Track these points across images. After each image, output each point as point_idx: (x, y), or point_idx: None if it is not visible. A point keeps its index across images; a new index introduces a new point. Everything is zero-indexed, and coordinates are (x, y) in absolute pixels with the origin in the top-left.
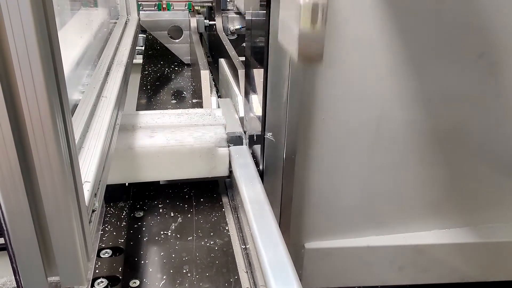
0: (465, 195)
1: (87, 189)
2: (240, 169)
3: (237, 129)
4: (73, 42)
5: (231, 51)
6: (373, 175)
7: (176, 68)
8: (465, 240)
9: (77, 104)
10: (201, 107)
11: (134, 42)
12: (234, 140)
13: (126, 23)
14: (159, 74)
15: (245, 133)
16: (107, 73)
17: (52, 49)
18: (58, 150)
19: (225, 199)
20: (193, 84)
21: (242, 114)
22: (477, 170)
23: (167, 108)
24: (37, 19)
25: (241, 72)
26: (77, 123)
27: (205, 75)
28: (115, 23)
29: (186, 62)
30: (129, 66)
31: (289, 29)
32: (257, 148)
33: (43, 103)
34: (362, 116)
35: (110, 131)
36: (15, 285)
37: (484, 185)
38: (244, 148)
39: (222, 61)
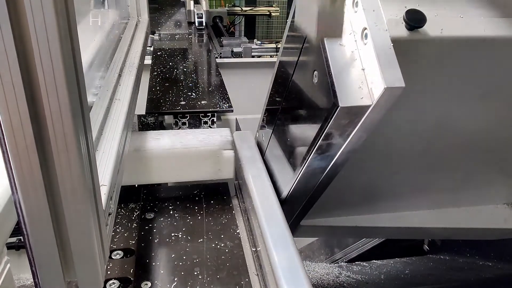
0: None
1: (103, 193)
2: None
3: None
4: (85, 44)
5: None
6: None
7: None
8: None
9: (91, 107)
10: None
11: (145, 44)
12: None
13: (136, 25)
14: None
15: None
16: (119, 76)
17: (74, 56)
18: (78, 155)
19: (235, 201)
20: None
21: None
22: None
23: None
24: (60, 20)
25: None
26: (92, 126)
27: None
28: (126, 23)
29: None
30: (140, 68)
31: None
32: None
33: (65, 108)
34: None
35: (124, 134)
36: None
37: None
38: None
39: None
